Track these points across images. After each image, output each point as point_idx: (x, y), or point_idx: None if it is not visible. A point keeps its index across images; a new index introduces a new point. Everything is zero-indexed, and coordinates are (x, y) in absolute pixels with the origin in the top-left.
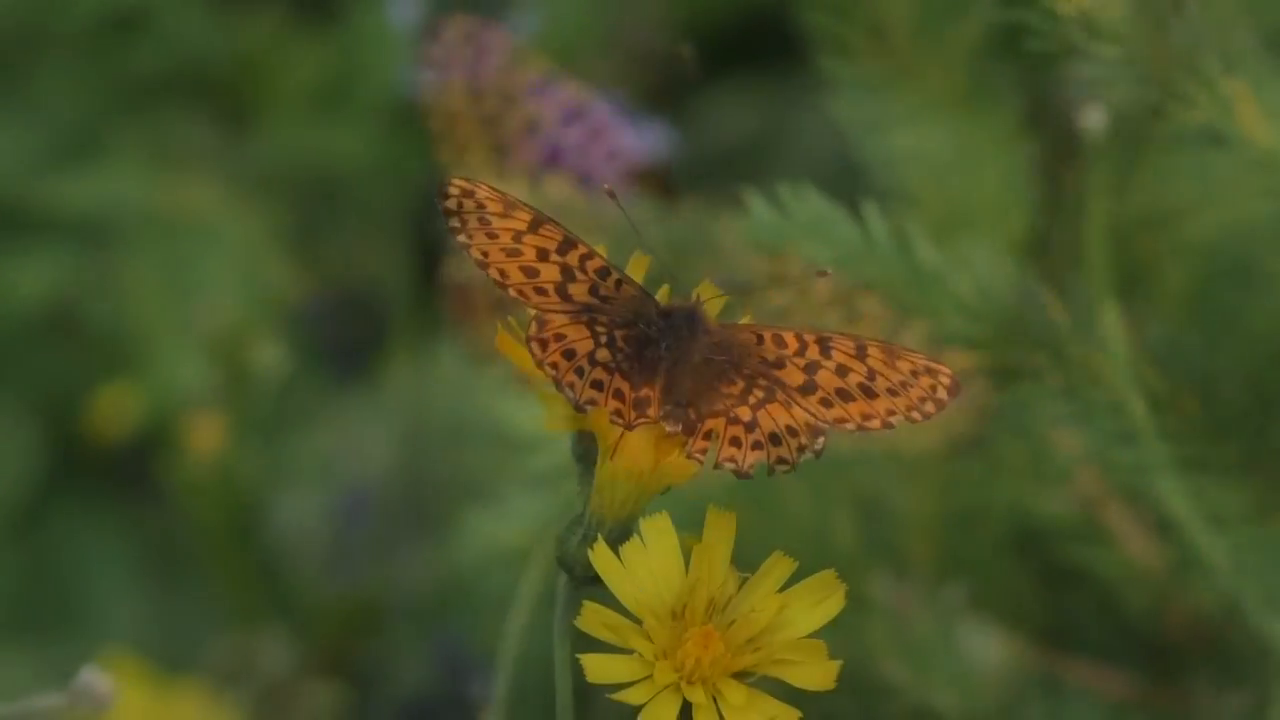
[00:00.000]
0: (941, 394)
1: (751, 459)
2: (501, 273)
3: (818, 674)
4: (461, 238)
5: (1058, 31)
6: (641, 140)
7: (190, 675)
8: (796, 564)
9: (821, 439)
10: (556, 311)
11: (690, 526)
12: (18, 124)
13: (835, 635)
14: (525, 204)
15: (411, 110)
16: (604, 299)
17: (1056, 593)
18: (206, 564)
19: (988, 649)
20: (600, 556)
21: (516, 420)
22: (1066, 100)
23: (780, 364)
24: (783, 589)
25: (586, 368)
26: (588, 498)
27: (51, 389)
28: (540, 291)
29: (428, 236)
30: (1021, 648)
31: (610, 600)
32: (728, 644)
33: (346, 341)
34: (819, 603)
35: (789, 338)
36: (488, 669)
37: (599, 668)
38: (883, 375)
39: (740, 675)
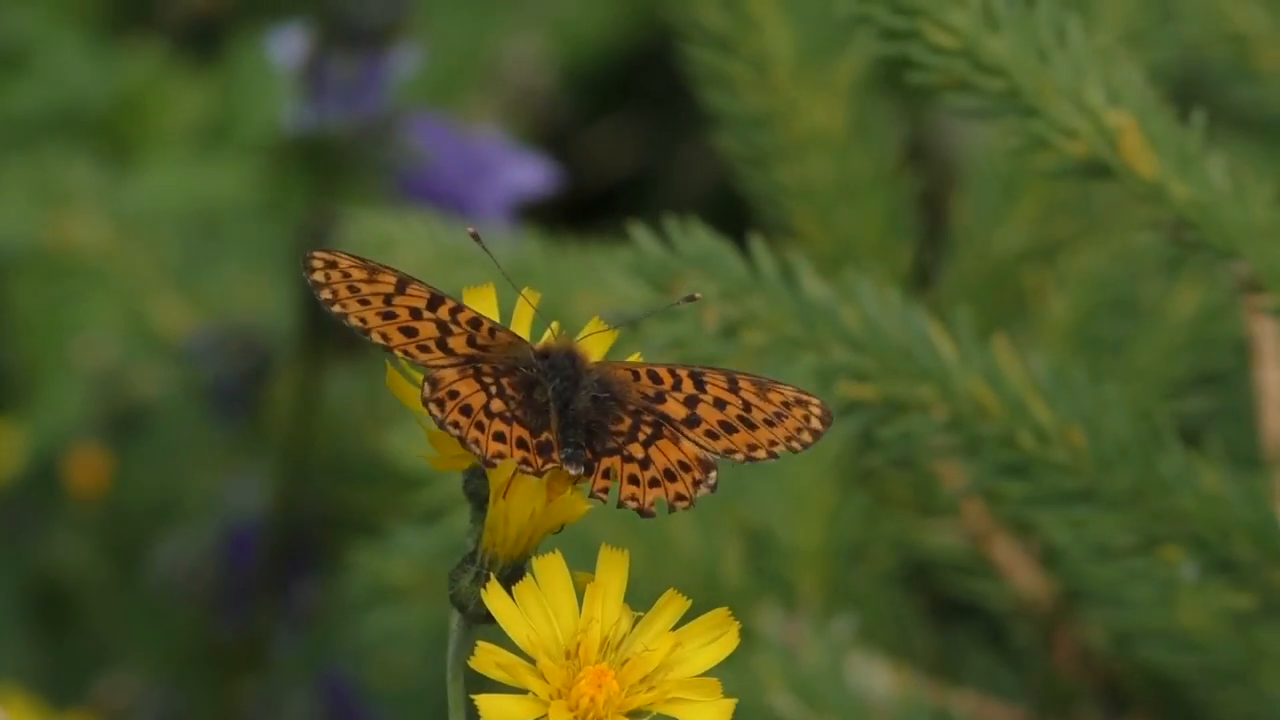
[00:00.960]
0: (815, 424)
1: (651, 496)
2: (383, 335)
3: (713, 712)
4: (336, 308)
5: (941, 65)
6: (526, 176)
7: (77, 714)
8: (690, 602)
9: (714, 473)
10: (443, 366)
11: (579, 566)
12: None
13: (726, 669)
14: (388, 267)
15: (293, 147)
16: (483, 348)
17: (945, 625)
18: (90, 603)
19: (877, 681)
20: (493, 595)
21: (405, 456)
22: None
23: (661, 399)
24: (676, 627)
25: (485, 421)
26: (479, 536)
27: None
28: (423, 349)
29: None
30: (910, 680)
31: (503, 639)
32: (622, 683)
33: (231, 378)
34: (713, 640)
35: (663, 373)
36: (372, 706)
37: (493, 708)
38: (757, 407)
39: (635, 714)
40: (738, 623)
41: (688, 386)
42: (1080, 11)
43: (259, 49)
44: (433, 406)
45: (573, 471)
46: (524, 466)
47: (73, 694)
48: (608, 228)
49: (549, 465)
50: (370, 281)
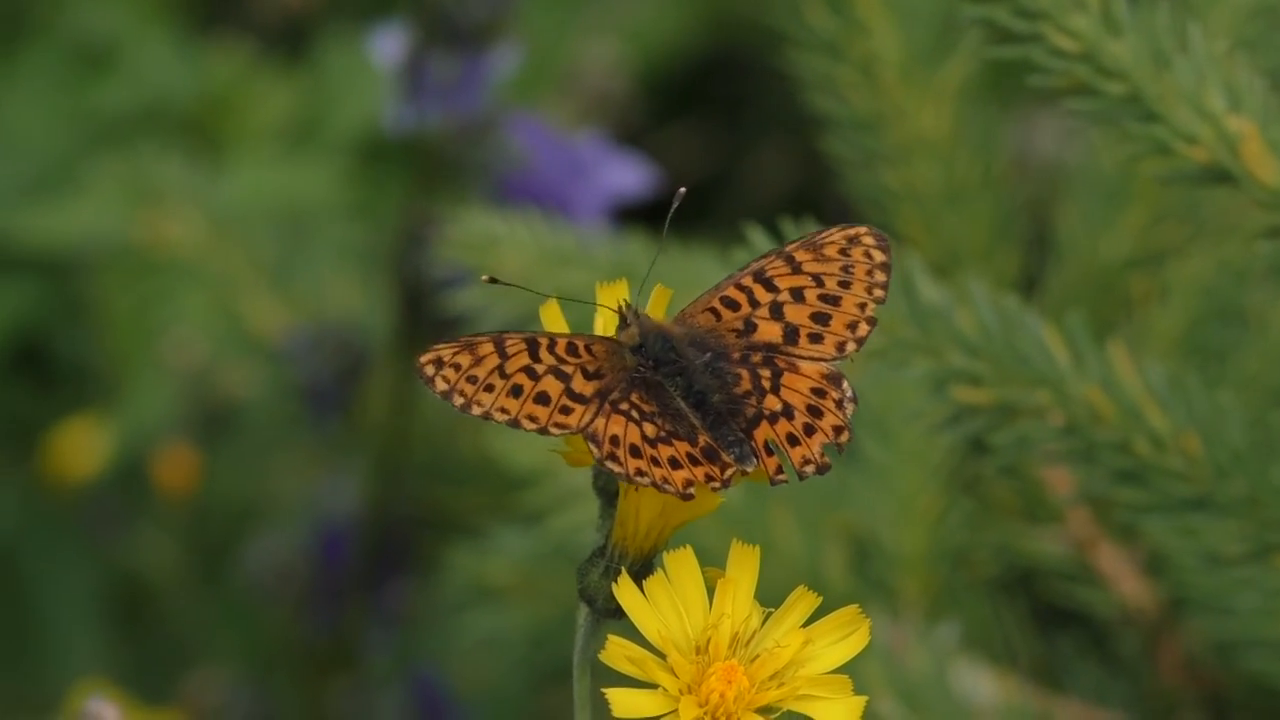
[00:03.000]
0: (877, 256)
1: (817, 446)
2: (530, 418)
3: (843, 709)
4: (475, 410)
5: (1062, 68)
6: (625, 177)
7: (164, 711)
8: (820, 599)
9: (845, 382)
10: (590, 421)
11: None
12: None
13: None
14: (479, 334)
15: (384, 145)
16: (596, 373)
17: (1048, 632)
18: (177, 602)
19: (981, 688)
20: (624, 590)
21: (512, 456)
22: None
23: (751, 326)
24: (806, 624)
25: (656, 453)
26: (609, 530)
27: (22, 424)
28: (565, 410)
29: (408, 273)
30: (1014, 687)
31: (633, 634)
32: (752, 679)
33: (326, 378)
34: (843, 638)
35: (734, 294)
36: (463, 707)
37: (624, 702)
38: (826, 274)
39: (764, 711)
40: (868, 621)
41: (762, 294)
42: (1195, 17)
43: (348, 48)
44: (611, 465)
45: (749, 469)
46: (710, 483)
47: (159, 692)
48: (679, 231)
49: (728, 471)
50: (477, 361)
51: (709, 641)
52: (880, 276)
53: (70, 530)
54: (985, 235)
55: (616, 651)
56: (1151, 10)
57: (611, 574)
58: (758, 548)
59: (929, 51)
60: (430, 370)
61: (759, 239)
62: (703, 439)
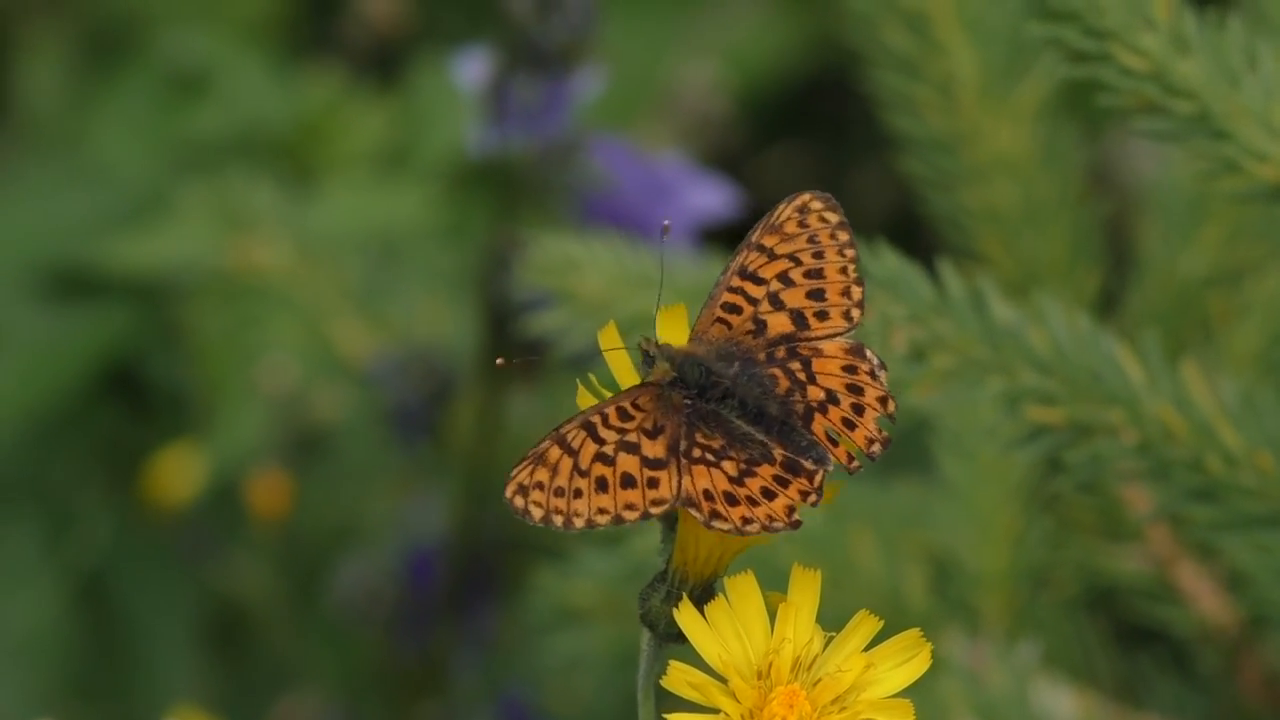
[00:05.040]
0: (830, 216)
1: (871, 423)
2: (628, 506)
3: None
4: (577, 522)
5: (1131, 87)
6: (708, 198)
7: None
8: (882, 623)
9: (868, 351)
10: (676, 488)
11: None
12: (79, 184)
13: (909, 693)
14: (544, 438)
15: (474, 170)
16: (656, 429)
17: (1128, 650)
18: (269, 626)
19: (1062, 707)
20: (685, 615)
21: None
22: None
23: (761, 323)
24: (868, 648)
25: (747, 492)
26: (670, 555)
27: (116, 450)
28: (653, 483)
29: (494, 296)
30: (1095, 705)
31: (694, 658)
32: (813, 703)
33: (413, 401)
34: (905, 662)
35: (733, 299)
36: None
37: None
38: (798, 251)
39: None
40: (930, 644)
41: (754, 289)
42: (1265, 35)
43: (439, 73)
44: (719, 524)
45: (830, 468)
46: (806, 499)
47: (250, 716)
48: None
49: (819, 478)
50: (554, 471)
51: (770, 666)
52: (843, 235)
53: (165, 556)
54: (1064, 254)
55: (678, 677)
56: (1220, 29)
57: (673, 599)
58: (819, 571)
59: (1006, 71)
60: (520, 502)
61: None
62: (778, 454)
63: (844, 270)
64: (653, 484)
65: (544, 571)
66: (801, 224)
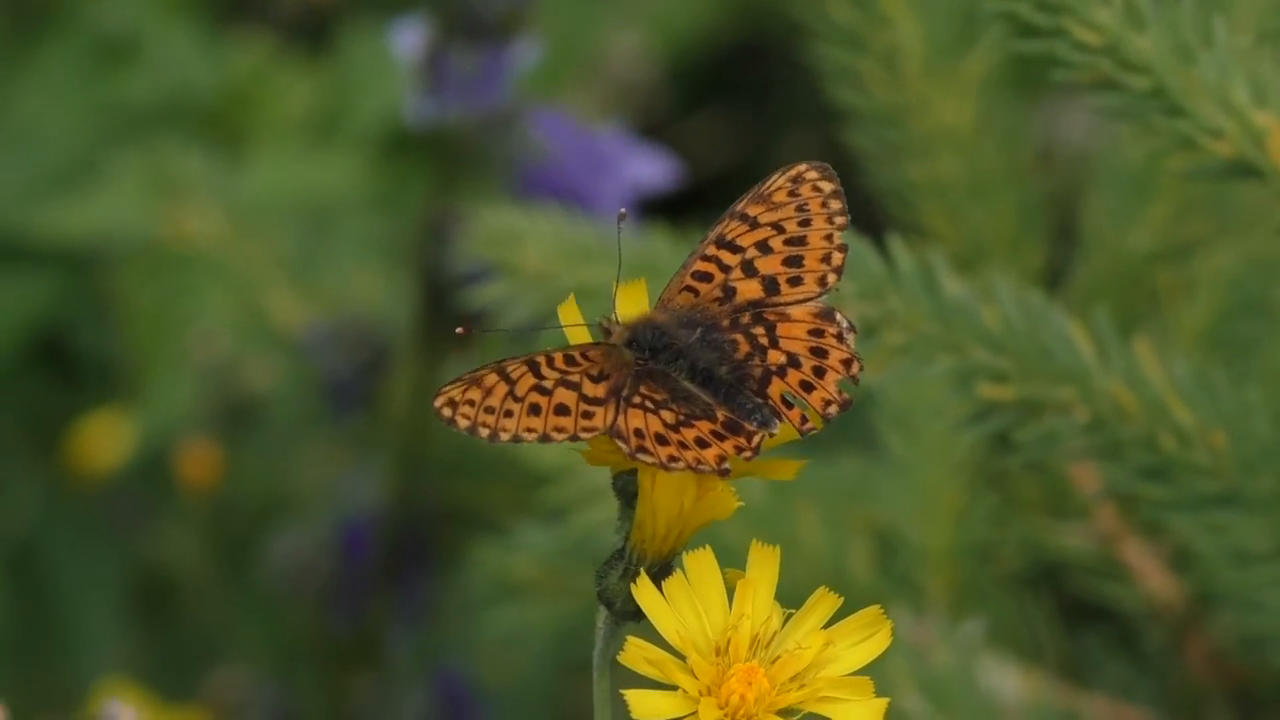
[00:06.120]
0: (825, 185)
1: (831, 385)
2: (558, 429)
3: (864, 711)
4: (504, 436)
5: (1085, 62)
6: (648, 170)
7: (187, 708)
8: (841, 600)
9: (838, 314)
10: (611, 420)
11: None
12: (4, 151)
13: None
14: (482, 366)
15: (405, 138)
16: (601, 375)
17: (1074, 628)
18: (198, 597)
19: (1007, 684)
20: (643, 591)
21: (534, 453)
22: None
23: (730, 290)
24: (827, 625)
25: (680, 437)
26: (628, 532)
27: (43, 419)
28: (587, 415)
29: (431, 267)
30: (1040, 683)
31: (651, 635)
32: (772, 680)
33: (347, 371)
34: (864, 639)
35: (703, 266)
36: (487, 704)
37: (643, 703)
38: (784, 220)
39: (785, 713)
40: (889, 622)
41: (730, 259)
42: (1218, 10)
43: (369, 41)
44: (643, 456)
45: (773, 431)
46: (743, 454)
47: (181, 688)
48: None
49: (757, 439)
50: (487, 392)
51: (729, 643)
52: (835, 204)
53: (93, 525)
54: (1010, 228)
55: (635, 653)
56: (1175, 4)
57: (630, 576)
58: (778, 548)
59: (951, 43)
60: (448, 412)
61: None
62: (721, 414)
63: (829, 237)
64: (587, 415)
65: (484, 545)
66: (792, 193)
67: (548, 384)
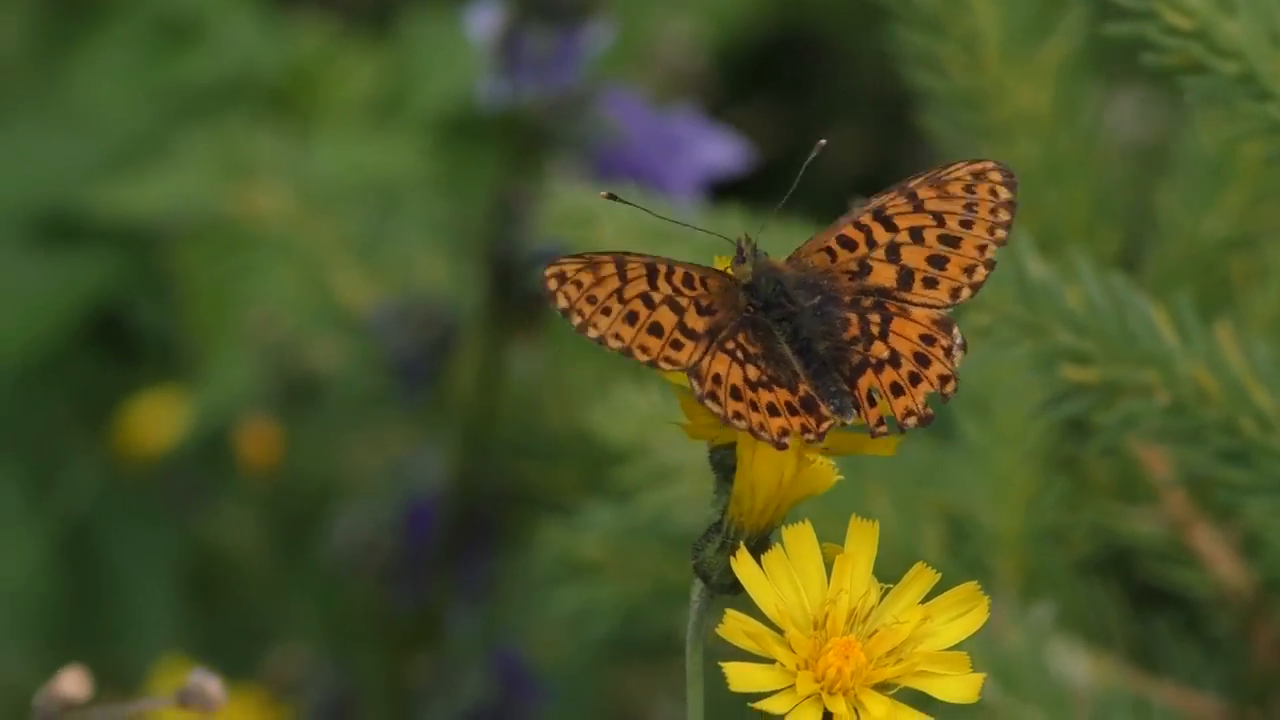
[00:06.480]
0: (1003, 194)
1: (921, 396)
2: (642, 348)
3: (961, 687)
4: (591, 331)
5: (1177, 46)
6: (720, 153)
7: (244, 686)
8: (939, 575)
9: (955, 329)
10: (698, 360)
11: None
12: (65, 131)
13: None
14: (600, 254)
15: (468, 120)
16: (709, 309)
17: (1143, 613)
18: (257, 576)
19: (1077, 668)
20: (742, 564)
21: (607, 431)
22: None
23: (865, 268)
24: (925, 600)
25: (755, 398)
26: (724, 506)
27: (102, 398)
28: (676, 345)
29: (500, 248)
30: (1109, 668)
31: (748, 608)
32: (869, 655)
33: (414, 351)
34: (962, 615)
35: (851, 233)
36: (547, 683)
37: (741, 676)
38: (948, 213)
39: (882, 686)
40: (987, 597)
41: (880, 234)
42: None
43: (432, 24)
44: (710, 403)
45: (848, 420)
46: (805, 434)
47: (239, 667)
48: (752, 209)
49: (825, 424)
50: (598, 280)
51: (826, 617)
52: (1004, 215)
53: (150, 505)
54: (1085, 214)
55: (734, 626)
56: None
57: (728, 549)
58: (877, 523)
59: (1030, 29)
60: (554, 284)
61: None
62: (803, 388)
63: (982, 248)
64: (676, 345)
65: (549, 525)
66: (969, 188)
67: (655, 297)
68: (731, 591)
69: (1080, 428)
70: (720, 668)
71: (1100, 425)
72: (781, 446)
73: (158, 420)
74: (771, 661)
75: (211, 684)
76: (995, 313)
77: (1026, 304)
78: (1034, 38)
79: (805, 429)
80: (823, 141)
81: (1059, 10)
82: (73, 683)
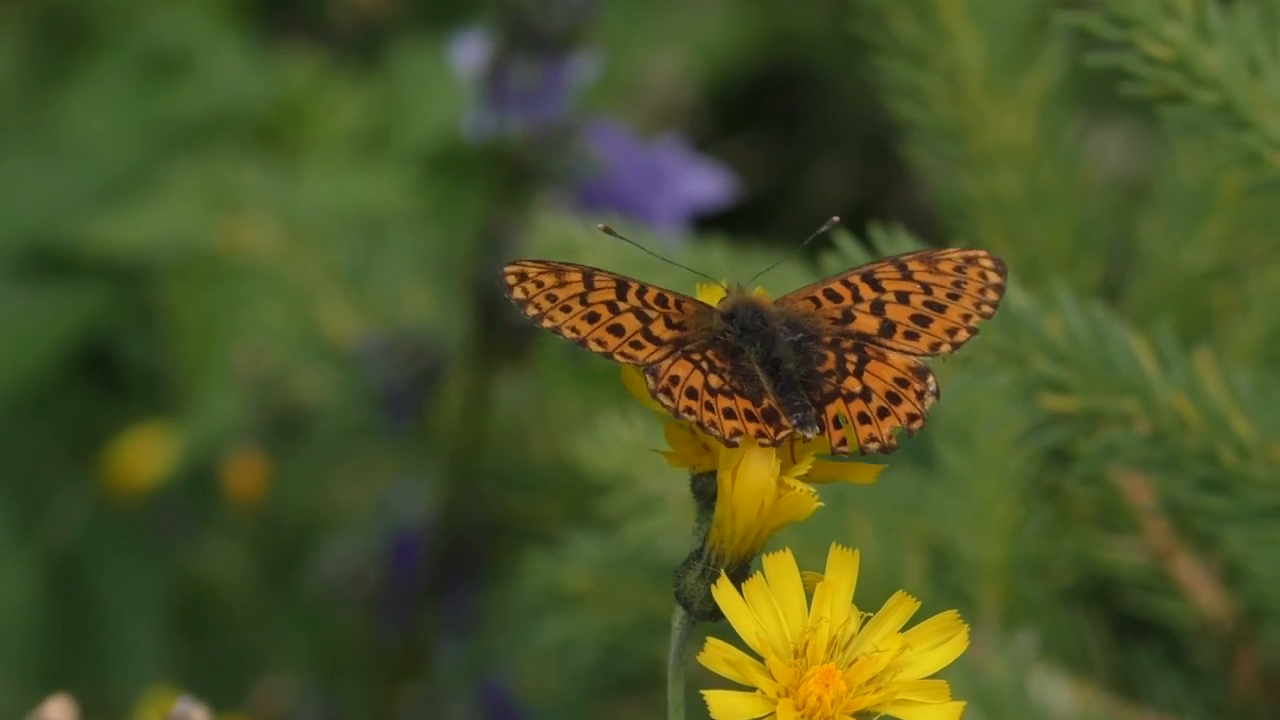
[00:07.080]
0: (993, 278)
1: (886, 428)
2: (598, 342)
3: (940, 715)
4: (546, 323)
5: (1155, 76)
6: (704, 186)
7: (233, 717)
8: (919, 604)
9: (931, 377)
10: (658, 360)
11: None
12: (54, 164)
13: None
14: (568, 263)
15: (454, 152)
16: (680, 325)
17: (1125, 643)
18: (244, 608)
19: (1059, 697)
20: (723, 592)
21: (591, 462)
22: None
23: (849, 317)
24: (904, 629)
25: (711, 400)
26: (706, 533)
27: (89, 431)
28: (636, 345)
29: (486, 280)
30: (1092, 697)
31: (728, 636)
32: (849, 683)
33: (401, 383)
34: (941, 643)
35: (838, 288)
36: (533, 715)
37: (722, 704)
38: (936, 285)
39: (862, 715)
40: (966, 626)
41: (867, 292)
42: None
43: (420, 56)
44: (662, 397)
45: (809, 435)
46: (760, 438)
47: (225, 698)
48: (739, 242)
49: (782, 433)
50: (561, 284)
51: (807, 645)
52: (992, 295)
53: (138, 537)
54: (1067, 244)
55: (715, 654)
56: (1243, 19)
57: (709, 577)
58: (857, 551)
59: (1012, 60)
60: (512, 279)
61: (848, 244)
62: (767, 401)
63: (966, 317)
64: (635, 345)
65: (534, 555)
66: (959, 269)
67: (621, 306)
68: (712, 619)
69: (1061, 457)
70: (702, 696)
71: (1081, 454)
72: (731, 444)
73: (146, 453)
74: (752, 689)
75: (197, 713)
76: (976, 342)
77: (1007, 333)
78: (1016, 69)
79: (761, 434)
80: (836, 219)
81: (1041, 42)
82: (58, 710)
